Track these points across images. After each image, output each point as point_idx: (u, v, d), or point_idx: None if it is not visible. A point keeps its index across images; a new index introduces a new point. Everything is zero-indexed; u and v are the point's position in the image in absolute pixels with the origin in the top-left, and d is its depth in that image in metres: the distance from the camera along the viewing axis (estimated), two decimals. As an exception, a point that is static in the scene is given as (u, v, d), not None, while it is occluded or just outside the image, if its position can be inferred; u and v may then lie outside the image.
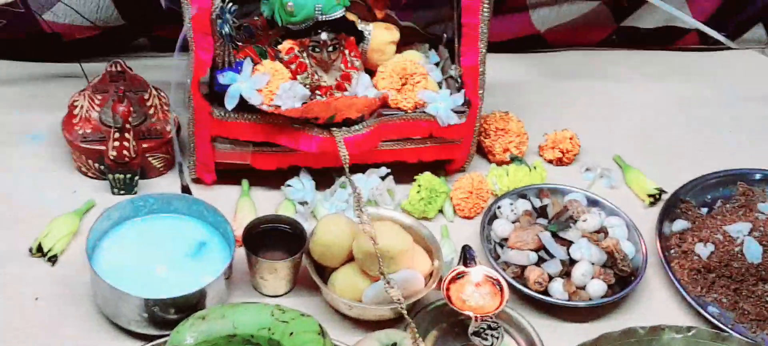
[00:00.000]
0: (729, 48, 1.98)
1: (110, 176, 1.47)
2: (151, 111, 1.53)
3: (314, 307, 1.35)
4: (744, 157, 1.69)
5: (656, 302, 1.43)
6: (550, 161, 1.66)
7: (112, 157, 1.45)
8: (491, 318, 1.25)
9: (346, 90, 1.48)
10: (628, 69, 1.95)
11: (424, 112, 1.49)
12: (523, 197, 1.52)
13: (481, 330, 1.24)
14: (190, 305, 1.24)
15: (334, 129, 1.44)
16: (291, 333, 1.14)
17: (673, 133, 1.78)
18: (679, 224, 1.51)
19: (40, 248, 1.38)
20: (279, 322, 1.16)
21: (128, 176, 1.47)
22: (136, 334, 1.27)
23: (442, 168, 1.57)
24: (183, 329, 1.16)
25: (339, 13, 1.45)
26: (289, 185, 1.50)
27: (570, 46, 1.98)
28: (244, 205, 1.48)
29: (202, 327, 1.16)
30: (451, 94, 1.50)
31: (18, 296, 1.32)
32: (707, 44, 1.99)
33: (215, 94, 1.43)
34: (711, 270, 1.42)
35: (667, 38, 2.00)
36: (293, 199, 1.49)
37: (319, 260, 1.34)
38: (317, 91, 1.48)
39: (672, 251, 1.48)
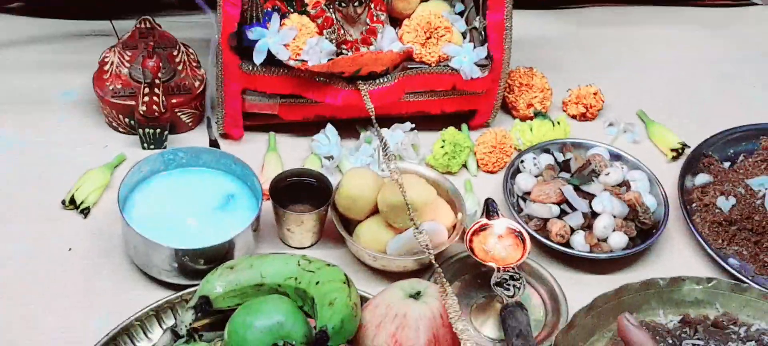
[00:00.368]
0: (755, 4, 1.97)
1: (140, 131, 1.50)
2: (180, 67, 1.55)
3: (339, 258, 1.37)
4: (768, 112, 1.69)
5: (677, 255, 1.44)
6: (574, 116, 1.67)
7: (142, 112, 1.47)
8: (513, 269, 1.27)
9: (371, 44, 1.50)
10: (653, 25, 1.94)
11: (447, 65, 1.50)
12: (547, 151, 1.53)
13: (504, 281, 1.26)
14: (218, 256, 1.27)
15: (360, 82, 1.46)
16: (317, 282, 1.16)
17: (697, 89, 1.78)
18: (702, 178, 1.52)
19: (72, 201, 1.41)
20: (305, 271, 1.17)
21: (158, 130, 1.50)
22: (166, 283, 1.30)
23: (465, 120, 1.59)
24: (212, 279, 1.18)
25: (364, -31, 1.47)
26: (315, 140, 1.52)
27: (596, 1, 1.98)
28: (271, 159, 1.50)
29: (230, 277, 1.18)
30: (474, 47, 1.52)
31: (51, 247, 1.35)
32: (734, 0, 1.98)
33: (244, 49, 1.45)
34: (732, 223, 1.43)
35: (694, -6, 2.00)
36: (319, 153, 1.51)
37: (344, 213, 1.36)
38: (343, 46, 1.49)
39: (694, 204, 1.48)
